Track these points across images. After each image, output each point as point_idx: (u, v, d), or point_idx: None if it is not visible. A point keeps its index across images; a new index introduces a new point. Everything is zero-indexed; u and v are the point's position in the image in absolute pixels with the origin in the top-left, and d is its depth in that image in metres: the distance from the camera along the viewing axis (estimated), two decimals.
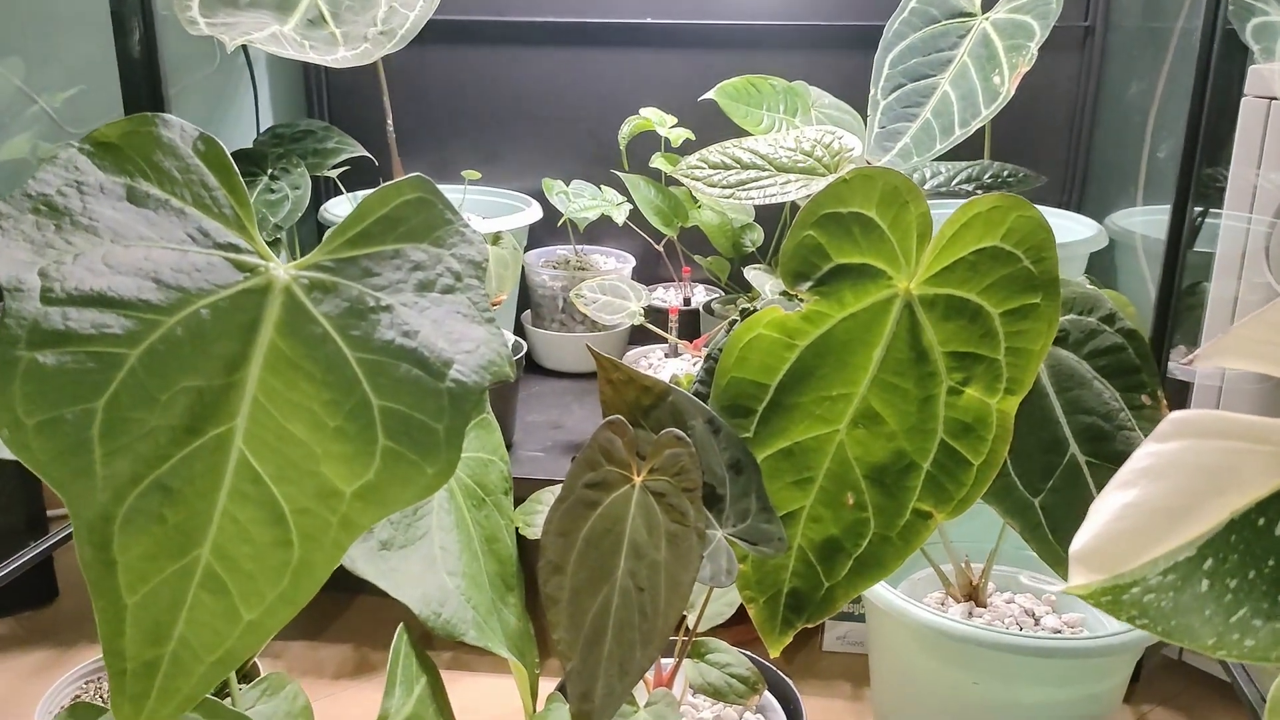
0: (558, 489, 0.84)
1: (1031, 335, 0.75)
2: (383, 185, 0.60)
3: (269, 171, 1.23)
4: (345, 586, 0.89)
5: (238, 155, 1.24)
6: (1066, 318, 0.86)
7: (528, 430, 1.34)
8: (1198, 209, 1.28)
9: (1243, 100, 1.02)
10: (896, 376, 0.77)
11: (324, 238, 0.58)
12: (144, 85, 1.20)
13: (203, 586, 0.54)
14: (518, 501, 1.06)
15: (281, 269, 0.55)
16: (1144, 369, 0.84)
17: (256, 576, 0.55)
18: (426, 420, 0.55)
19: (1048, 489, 0.84)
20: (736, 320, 1.02)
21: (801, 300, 0.77)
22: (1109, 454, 0.83)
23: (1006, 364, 0.76)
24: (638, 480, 0.72)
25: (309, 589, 0.55)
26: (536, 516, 0.89)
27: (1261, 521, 0.41)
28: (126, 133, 0.55)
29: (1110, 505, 0.42)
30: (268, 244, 1.20)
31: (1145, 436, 0.85)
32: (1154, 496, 0.41)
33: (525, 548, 0.88)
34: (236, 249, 0.55)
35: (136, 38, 1.22)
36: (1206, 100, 1.22)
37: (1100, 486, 0.84)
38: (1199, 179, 1.24)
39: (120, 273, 0.51)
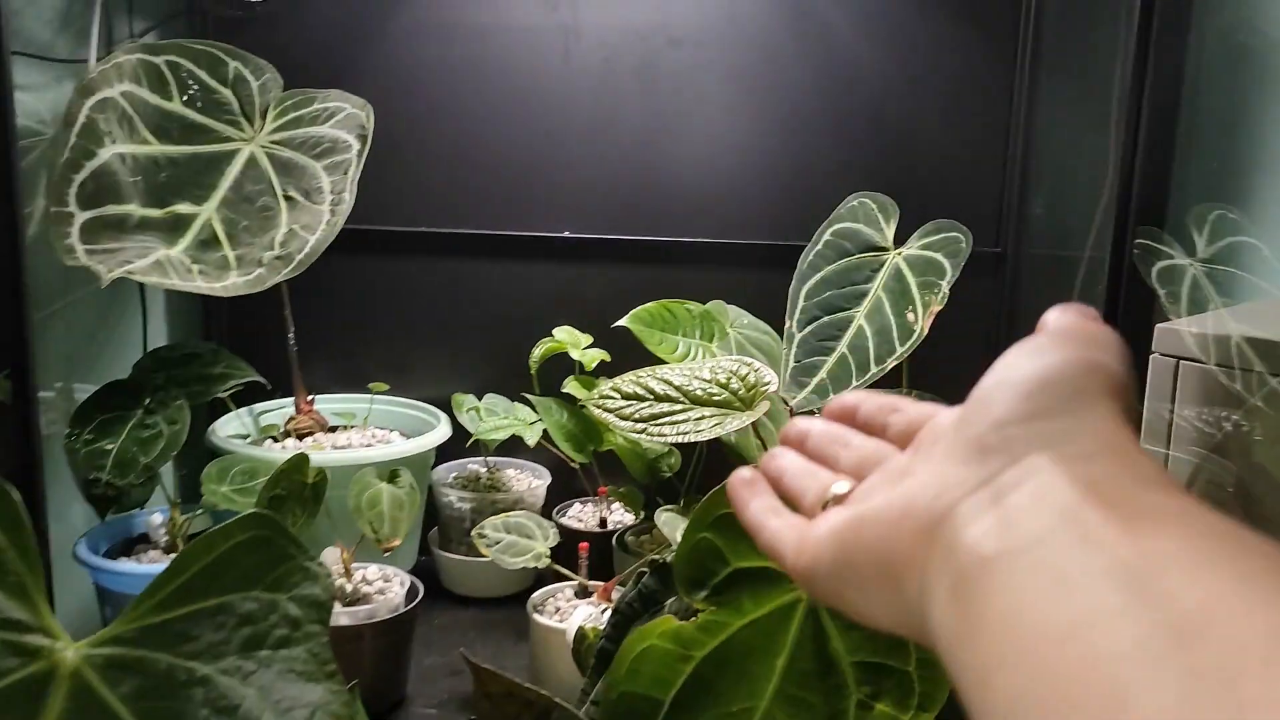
0: None
1: None
2: (209, 530, 0.53)
3: (145, 404, 1.15)
4: None
5: (111, 387, 1.16)
6: None
7: (424, 678, 1.24)
8: None
9: (1151, 357, 1.00)
10: (802, 689, 0.70)
11: (132, 602, 0.51)
12: (5, 306, 1.12)
13: None
14: None
15: (72, 648, 0.48)
16: None
17: None
18: None
19: None
20: (645, 572, 0.95)
21: (698, 609, 0.70)
22: None
23: (918, 678, 0.69)
24: None
25: None
26: None
27: None
28: None
29: None
30: (138, 485, 1.11)
31: None
32: None
33: None
34: (19, 627, 0.47)
35: (2, 253, 1.14)
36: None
37: None
38: None
39: None
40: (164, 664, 0.49)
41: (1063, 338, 0.36)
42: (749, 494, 0.46)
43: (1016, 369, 0.35)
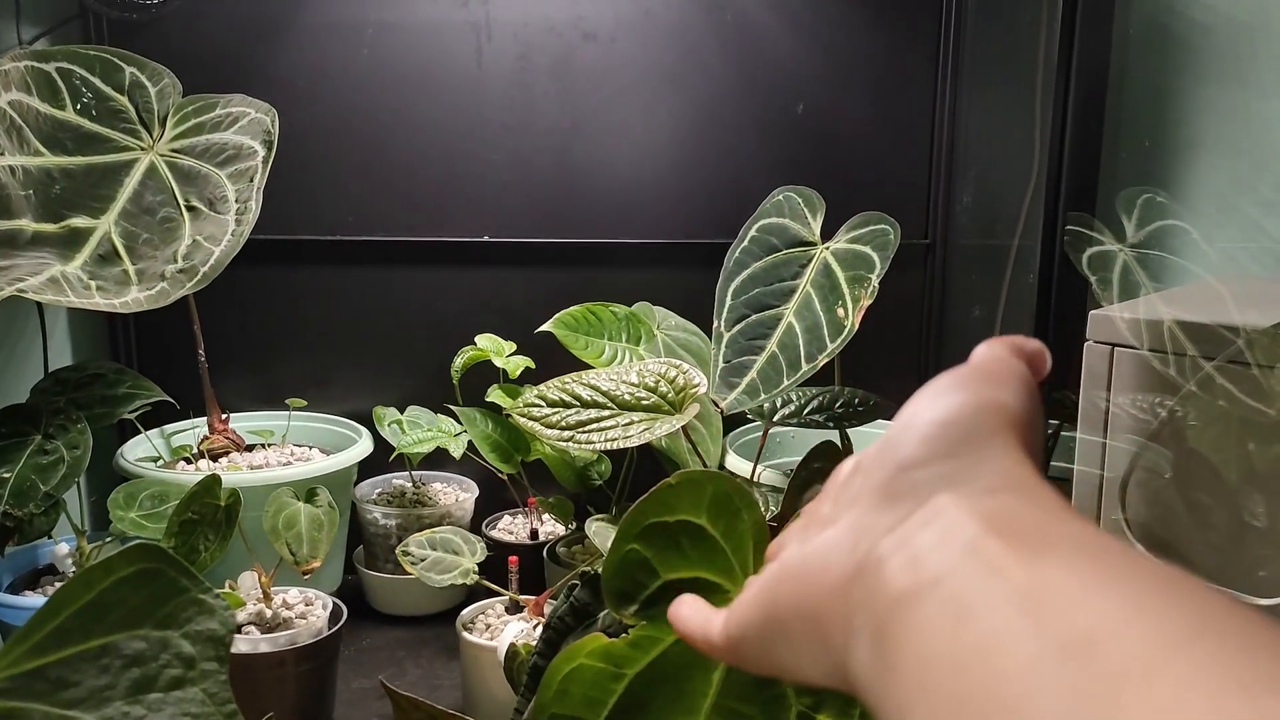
0: None
1: None
2: (89, 565, 0.48)
3: (44, 429, 1.09)
4: None
5: (8, 412, 1.10)
6: None
7: (351, 702, 1.19)
8: (1054, 422, 1.25)
9: (1085, 344, 0.99)
10: (740, 703, 0.67)
11: (4, 647, 0.46)
12: None
13: None
14: None
15: None
16: None
17: None
18: None
19: None
20: (576, 585, 0.91)
21: (628, 624, 0.67)
22: None
23: None
24: None
25: None
26: None
27: None
28: None
29: None
30: (38, 514, 1.05)
31: None
32: None
33: None
34: None
35: None
36: (1050, 331, 1.20)
37: None
38: (1048, 404, 1.21)
39: None
40: (39, 715, 0.44)
41: (967, 377, 0.36)
42: (686, 610, 0.46)
43: (918, 413, 0.35)
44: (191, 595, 0.51)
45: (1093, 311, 1.00)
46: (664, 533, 0.67)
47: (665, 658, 0.67)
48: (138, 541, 0.51)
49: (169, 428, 1.43)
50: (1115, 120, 1.19)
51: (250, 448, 1.44)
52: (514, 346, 1.39)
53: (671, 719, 0.67)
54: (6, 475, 1.04)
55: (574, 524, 1.42)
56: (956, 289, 1.51)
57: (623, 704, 0.67)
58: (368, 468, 1.46)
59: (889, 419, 1.30)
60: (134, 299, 1.13)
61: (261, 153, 1.26)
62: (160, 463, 1.36)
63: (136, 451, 1.35)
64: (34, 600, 1.10)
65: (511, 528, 1.50)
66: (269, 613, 1.12)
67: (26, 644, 0.46)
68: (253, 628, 1.09)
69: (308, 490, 1.13)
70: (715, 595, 0.67)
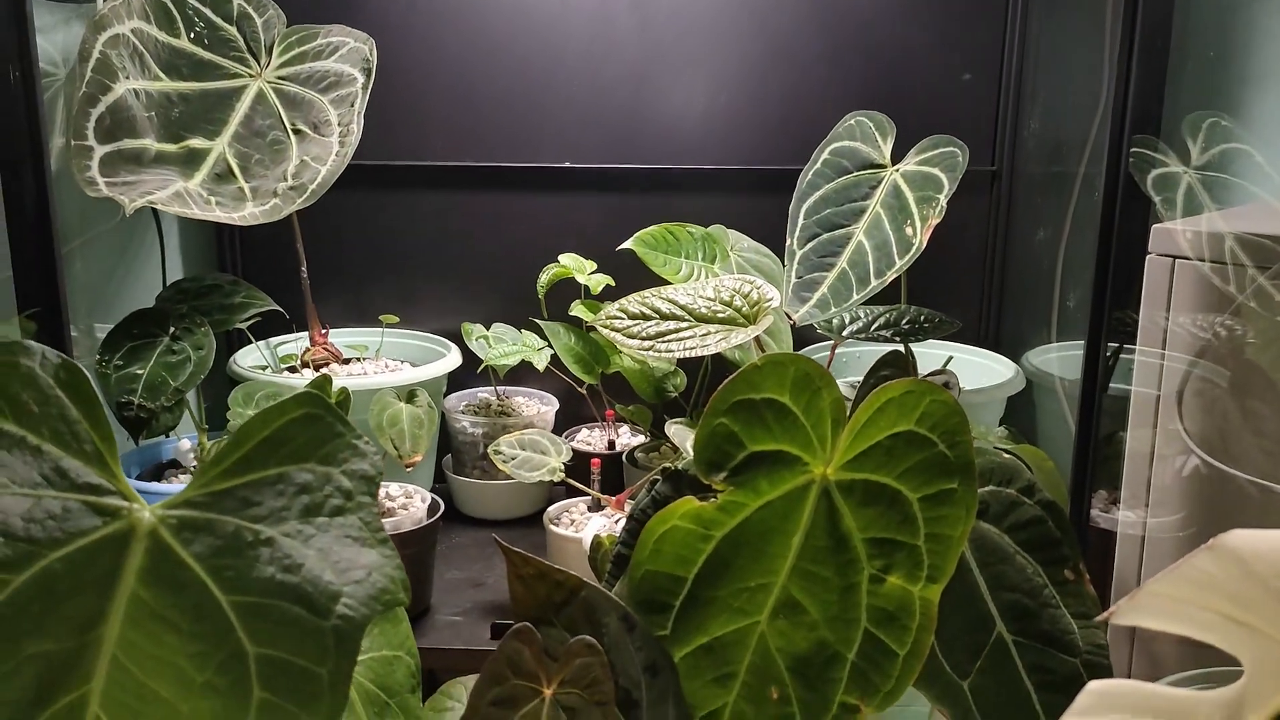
0: (470, 680, 0.80)
1: (950, 521, 0.73)
2: (266, 407, 0.57)
3: (171, 331, 1.18)
4: None
5: (138, 315, 1.20)
6: (986, 489, 0.85)
7: (446, 589, 1.29)
8: (1113, 345, 1.29)
9: (1148, 258, 1.03)
10: (816, 565, 0.74)
11: (200, 469, 0.55)
12: (34, 242, 1.15)
13: None
14: (430, 683, 1.01)
15: (147, 510, 0.51)
16: (1065, 542, 0.82)
17: None
18: (309, 665, 0.51)
19: (976, 670, 0.81)
20: (657, 480, 0.99)
21: (716, 490, 0.74)
22: (1035, 632, 0.81)
23: (927, 550, 0.74)
24: (547, 694, 0.68)
25: None
26: (447, 715, 0.84)
27: None
28: None
29: None
30: (167, 408, 1.15)
31: (1069, 613, 0.83)
32: None
33: None
34: (97, 490, 0.51)
35: (29, 191, 1.17)
36: (1113, 248, 1.24)
37: (1028, 666, 0.82)
38: (1110, 322, 1.26)
39: None
40: (232, 526, 0.53)
41: None
42: None
43: None
44: (347, 439, 0.59)
45: (1155, 226, 1.04)
46: (750, 408, 0.74)
47: (750, 522, 0.75)
48: (304, 390, 0.59)
49: (274, 340, 1.53)
50: (1182, 43, 1.22)
51: (347, 361, 1.53)
52: (595, 265, 1.46)
53: (754, 578, 0.75)
54: (140, 371, 1.14)
55: (651, 433, 1.50)
56: (1021, 215, 1.55)
57: (710, 563, 0.75)
58: (454, 382, 1.55)
59: (951, 337, 1.36)
60: (250, 213, 1.22)
61: (361, 79, 1.34)
62: (269, 371, 1.46)
63: (247, 360, 1.45)
64: (163, 486, 1.21)
65: (589, 440, 1.59)
66: None
67: (219, 468, 0.55)
68: None
69: (408, 391, 1.22)
70: (795, 466, 0.75)
